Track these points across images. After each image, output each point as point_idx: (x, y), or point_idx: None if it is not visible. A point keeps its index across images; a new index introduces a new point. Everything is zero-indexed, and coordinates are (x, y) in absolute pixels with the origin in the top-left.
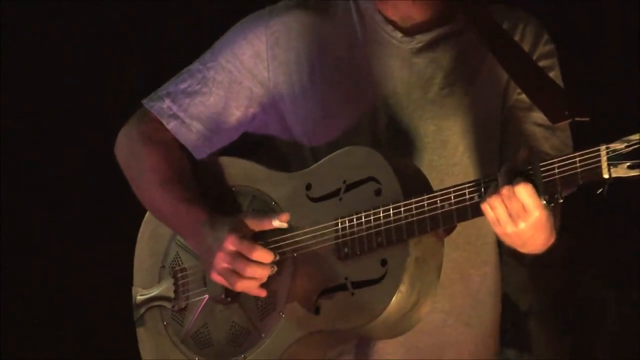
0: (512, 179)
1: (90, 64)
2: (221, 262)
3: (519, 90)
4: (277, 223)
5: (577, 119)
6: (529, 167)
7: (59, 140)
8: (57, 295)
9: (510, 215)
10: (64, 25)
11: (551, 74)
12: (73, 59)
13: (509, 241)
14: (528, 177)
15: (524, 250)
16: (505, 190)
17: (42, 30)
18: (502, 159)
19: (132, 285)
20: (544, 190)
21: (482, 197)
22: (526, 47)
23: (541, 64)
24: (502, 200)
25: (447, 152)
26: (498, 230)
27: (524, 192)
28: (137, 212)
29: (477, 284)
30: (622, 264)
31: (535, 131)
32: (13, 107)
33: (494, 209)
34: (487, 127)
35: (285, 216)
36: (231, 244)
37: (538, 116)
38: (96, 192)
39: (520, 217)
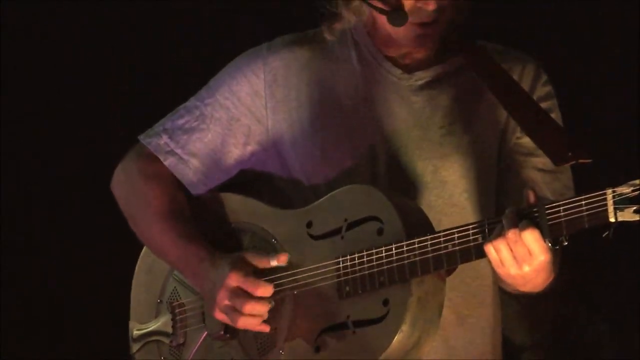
0: (518, 222)
1: (90, 64)
2: (223, 299)
3: (517, 134)
4: (274, 263)
5: (580, 161)
6: (535, 210)
7: (59, 140)
8: (57, 295)
9: (515, 258)
10: (64, 25)
11: (551, 115)
12: (73, 59)
13: (510, 281)
14: (534, 221)
15: (523, 289)
16: (511, 234)
17: (42, 30)
18: (501, 204)
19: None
20: (549, 233)
21: (487, 239)
22: (525, 87)
23: (541, 105)
24: (508, 244)
25: (445, 193)
26: (500, 272)
27: (531, 238)
28: None
29: (472, 325)
30: (616, 297)
31: (535, 177)
32: (13, 107)
33: (499, 251)
34: (485, 168)
35: (284, 257)
36: (234, 280)
37: (539, 161)
38: (96, 192)
39: (526, 261)
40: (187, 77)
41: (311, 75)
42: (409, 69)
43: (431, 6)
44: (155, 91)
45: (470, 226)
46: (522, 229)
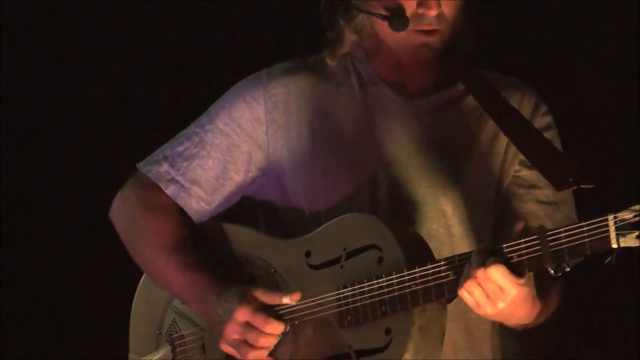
0: (485, 260)
1: (91, 64)
2: (232, 333)
3: (516, 167)
4: (286, 300)
5: (582, 186)
6: (503, 246)
7: (60, 140)
8: (57, 296)
9: (488, 296)
10: (63, 26)
11: None
12: (73, 59)
13: (492, 319)
14: (500, 256)
15: (509, 324)
16: (479, 273)
17: (42, 30)
18: (501, 236)
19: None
20: (551, 260)
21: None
22: (525, 116)
23: None
24: (479, 284)
25: (445, 222)
26: (479, 312)
27: (497, 274)
28: None
29: (466, 358)
30: (609, 326)
31: (537, 209)
32: (13, 107)
33: (472, 293)
34: (485, 198)
35: (297, 295)
36: (243, 315)
37: (540, 193)
38: (96, 192)
39: (498, 298)
40: (187, 78)
41: (312, 101)
42: (410, 96)
43: (433, 12)
44: (155, 91)
45: (473, 253)
46: (488, 265)
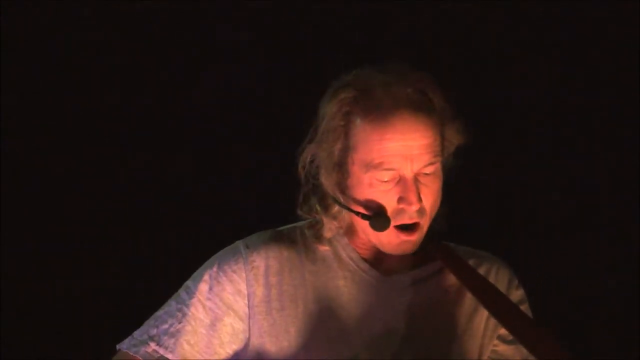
0: None
1: (91, 63)
2: None
3: (495, 342)
4: None
5: None
6: None
7: (60, 140)
8: (57, 295)
9: None
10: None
11: None
12: (73, 59)
13: None
14: None
15: None
16: None
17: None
18: None
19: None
20: None
21: None
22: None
23: None
24: None
25: None
26: None
27: None
28: (136, 213)
29: None
30: None
31: None
32: (13, 107)
33: None
34: None
35: None
36: None
37: None
38: (96, 192)
39: None
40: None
41: (291, 275)
42: (387, 272)
43: (414, 207)
44: (153, 91)
45: None
46: None
